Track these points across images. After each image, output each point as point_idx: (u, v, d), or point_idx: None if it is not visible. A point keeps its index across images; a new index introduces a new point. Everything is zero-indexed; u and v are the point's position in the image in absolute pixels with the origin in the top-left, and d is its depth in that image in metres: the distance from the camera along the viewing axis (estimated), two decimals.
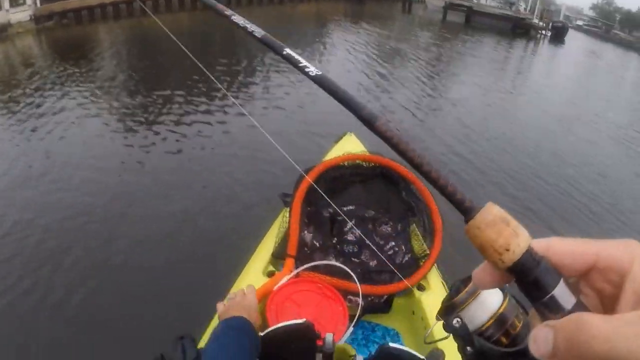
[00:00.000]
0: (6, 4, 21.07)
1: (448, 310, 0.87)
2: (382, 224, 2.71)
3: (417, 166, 0.58)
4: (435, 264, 2.59)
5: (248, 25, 0.93)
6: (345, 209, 2.62)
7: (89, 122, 7.67)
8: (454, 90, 11.36)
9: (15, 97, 9.50)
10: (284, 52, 0.83)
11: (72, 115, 7.98)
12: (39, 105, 8.53)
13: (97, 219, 5.03)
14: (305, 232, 2.50)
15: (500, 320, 0.81)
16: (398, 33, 20.51)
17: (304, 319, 1.66)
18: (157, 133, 7.15)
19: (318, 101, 8.24)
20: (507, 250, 0.44)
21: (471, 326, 0.84)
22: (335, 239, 2.57)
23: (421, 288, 2.47)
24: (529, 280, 0.44)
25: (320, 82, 0.74)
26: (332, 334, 1.72)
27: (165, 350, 1.46)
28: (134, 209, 5.23)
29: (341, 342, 1.97)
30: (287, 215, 2.57)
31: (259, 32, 0.90)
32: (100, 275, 4.26)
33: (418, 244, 2.73)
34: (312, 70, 0.76)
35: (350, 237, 2.57)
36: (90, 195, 5.46)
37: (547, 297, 0.43)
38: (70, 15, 18.45)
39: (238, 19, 0.95)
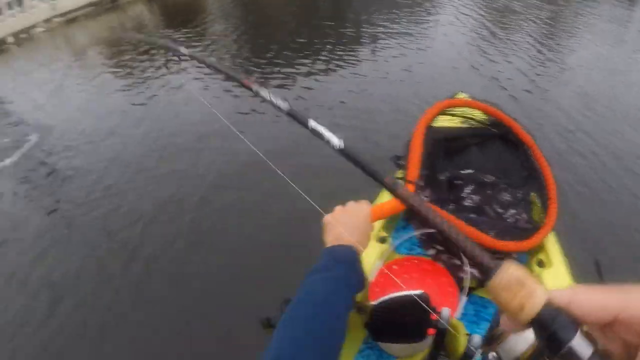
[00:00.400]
0: None
1: (489, 340, 0.96)
2: (501, 190, 2.53)
3: (436, 227, 0.65)
4: (558, 243, 2.37)
5: (273, 99, 1.11)
6: (463, 172, 2.48)
7: (191, 84, 7.94)
8: (573, 56, 10.28)
9: (126, 60, 10.40)
10: (310, 126, 1.03)
11: (179, 78, 8.38)
12: (146, 69, 9.10)
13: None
14: (422, 195, 2.37)
15: (538, 350, 0.86)
16: None
17: (421, 290, 1.53)
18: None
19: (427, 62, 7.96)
20: (522, 310, 0.49)
21: (511, 356, 0.91)
22: (452, 204, 2.44)
23: (541, 264, 2.26)
24: (546, 335, 0.47)
25: (345, 153, 0.92)
26: (448, 309, 1.60)
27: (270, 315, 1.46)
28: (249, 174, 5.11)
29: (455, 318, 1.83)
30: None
31: (285, 105, 1.10)
32: (209, 240, 4.46)
33: (538, 213, 2.53)
34: (336, 143, 0.95)
35: (468, 202, 2.42)
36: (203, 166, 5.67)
37: (565, 349, 0.46)
38: None
39: (264, 92, 1.13)
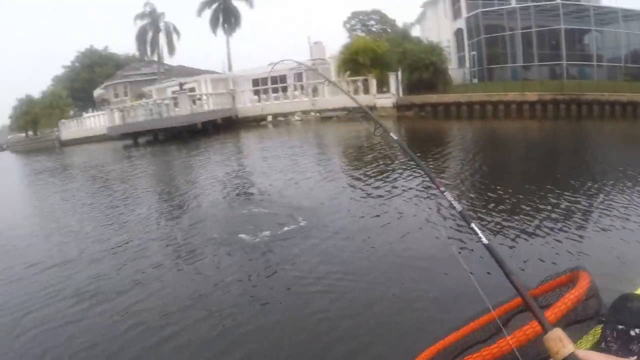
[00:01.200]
0: (373, 89, 24.64)
1: None
2: None
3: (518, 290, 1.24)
4: None
5: (450, 198, 1.62)
6: None
7: (423, 206, 7.34)
8: None
9: (364, 166, 10.62)
10: (472, 227, 1.53)
11: (406, 195, 8.04)
12: (381, 184, 8.97)
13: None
14: None
15: None
16: None
17: None
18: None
19: None
20: (557, 353, 0.99)
21: None
22: None
23: None
24: None
25: (488, 248, 1.41)
26: None
27: None
28: None
29: None
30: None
31: (458, 207, 1.60)
32: None
33: None
34: (484, 240, 1.43)
35: None
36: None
37: None
38: (428, 108, 19.90)
39: (448, 194, 1.61)
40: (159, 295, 4.99)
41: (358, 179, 9.76)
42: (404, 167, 10.08)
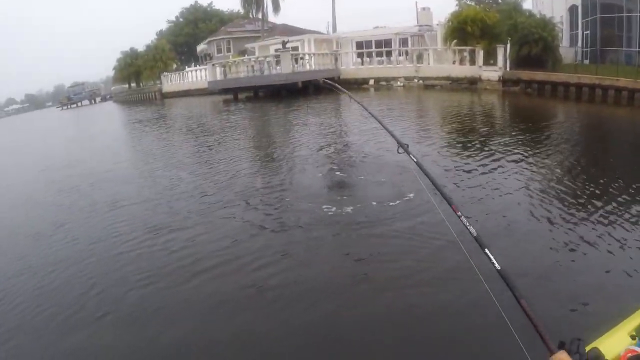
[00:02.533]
0: (480, 61, 24.78)
1: None
2: None
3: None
4: None
5: (464, 221, 2.00)
6: None
7: (522, 181, 7.54)
8: None
9: (464, 137, 11.37)
10: (484, 249, 1.83)
11: (510, 169, 8.32)
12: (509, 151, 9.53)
13: None
14: None
15: None
16: None
17: None
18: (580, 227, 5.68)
19: None
20: None
21: None
22: None
23: None
24: None
25: (501, 275, 1.71)
26: None
27: None
28: None
29: None
30: None
31: (473, 230, 1.95)
32: None
33: None
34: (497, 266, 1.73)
35: None
36: None
37: None
38: (535, 85, 19.97)
39: (463, 217, 2.03)
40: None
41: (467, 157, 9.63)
42: (509, 144, 10.54)
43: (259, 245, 5.86)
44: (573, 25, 27.69)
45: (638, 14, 22.64)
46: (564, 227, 5.76)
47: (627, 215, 5.91)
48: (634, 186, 6.98)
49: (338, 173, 9.24)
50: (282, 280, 4.90)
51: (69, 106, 59.25)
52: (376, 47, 32.88)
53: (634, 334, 2.38)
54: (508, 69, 22.83)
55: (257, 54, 36.63)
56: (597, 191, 7.04)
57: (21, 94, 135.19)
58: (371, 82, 29.55)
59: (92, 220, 7.80)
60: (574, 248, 5.16)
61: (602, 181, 7.48)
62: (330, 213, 6.72)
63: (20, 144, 25.17)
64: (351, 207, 6.84)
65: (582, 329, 2.88)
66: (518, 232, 5.73)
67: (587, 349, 1.84)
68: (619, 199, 6.49)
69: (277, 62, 29.03)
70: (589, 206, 6.41)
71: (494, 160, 9.13)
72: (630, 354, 2.07)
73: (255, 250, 5.71)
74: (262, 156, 12.12)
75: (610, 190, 6.97)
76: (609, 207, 6.21)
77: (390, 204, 6.81)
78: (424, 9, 36.06)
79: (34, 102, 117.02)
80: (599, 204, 6.42)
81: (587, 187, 7.28)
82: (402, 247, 5.48)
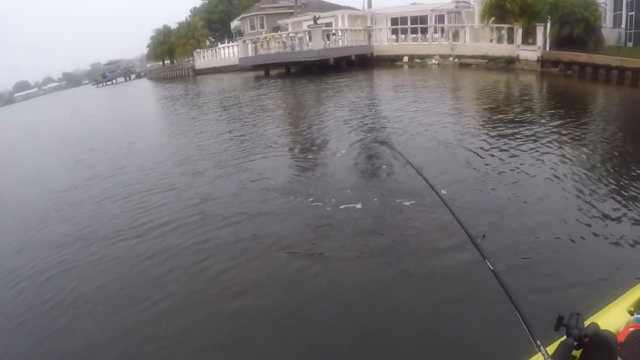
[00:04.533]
0: (518, 40, 24.11)
1: None
2: None
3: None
4: None
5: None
6: None
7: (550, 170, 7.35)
8: None
9: (501, 121, 11.28)
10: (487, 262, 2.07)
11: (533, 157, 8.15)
12: (518, 135, 9.53)
13: None
14: None
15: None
16: None
17: None
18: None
19: None
20: None
21: None
22: None
23: None
24: None
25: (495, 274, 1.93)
26: None
27: None
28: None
29: None
30: None
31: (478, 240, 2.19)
32: None
33: None
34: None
35: None
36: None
37: None
38: (575, 67, 19.36)
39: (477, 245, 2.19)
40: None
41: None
42: (542, 130, 10.39)
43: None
44: (617, 5, 26.60)
45: None
46: (573, 205, 6.00)
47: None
48: None
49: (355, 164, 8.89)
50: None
51: (104, 84, 60.64)
52: (412, 23, 32.29)
53: (632, 309, 2.43)
54: (547, 49, 22.16)
55: (290, 29, 36.48)
56: (621, 178, 6.93)
57: (59, 72, 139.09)
58: (405, 59, 29.18)
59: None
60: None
61: (630, 169, 7.33)
62: (342, 207, 6.46)
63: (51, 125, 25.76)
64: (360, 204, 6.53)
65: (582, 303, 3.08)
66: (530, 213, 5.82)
67: (586, 324, 1.96)
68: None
69: (310, 38, 28.86)
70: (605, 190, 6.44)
71: (524, 146, 8.95)
72: (632, 328, 2.09)
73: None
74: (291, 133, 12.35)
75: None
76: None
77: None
78: None
79: (71, 80, 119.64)
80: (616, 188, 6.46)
81: (613, 176, 7.10)
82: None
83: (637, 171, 6.99)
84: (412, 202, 6.26)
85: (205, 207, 6.99)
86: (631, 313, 2.40)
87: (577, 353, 1.90)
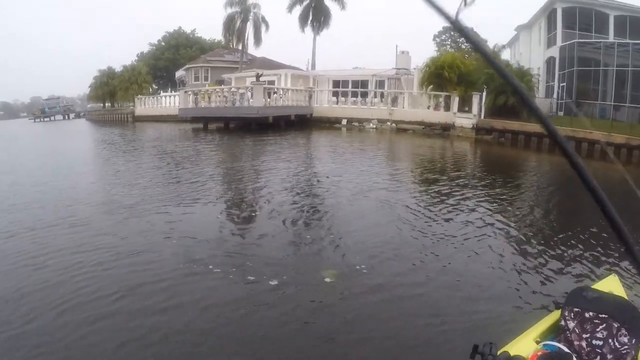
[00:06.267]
0: (455, 107, 24.46)
1: None
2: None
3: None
4: None
5: None
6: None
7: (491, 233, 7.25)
8: None
9: (433, 182, 10.81)
10: None
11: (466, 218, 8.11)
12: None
13: None
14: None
15: None
16: None
17: None
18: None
19: None
20: None
21: None
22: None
23: None
24: None
25: None
26: None
27: None
28: None
29: None
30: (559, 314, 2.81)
31: None
32: None
33: None
34: None
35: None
36: None
37: None
38: (508, 135, 19.58)
39: None
40: None
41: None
42: (475, 192, 10.11)
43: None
44: (550, 76, 27.88)
45: (614, 68, 22.79)
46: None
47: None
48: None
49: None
50: None
51: (41, 119, 57.67)
52: (353, 87, 32.60)
53: (539, 339, 2.73)
54: (482, 117, 22.49)
55: (233, 84, 35.98)
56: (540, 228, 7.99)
57: None
58: (344, 121, 28.98)
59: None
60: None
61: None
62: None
63: None
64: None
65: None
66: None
67: (498, 352, 2.21)
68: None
69: (251, 95, 28.30)
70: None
71: (458, 208, 8.82)
72: (540, 353, 2.43)
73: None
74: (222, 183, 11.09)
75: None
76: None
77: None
78: (403, 52, 36.09)
79: (8, 112, 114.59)
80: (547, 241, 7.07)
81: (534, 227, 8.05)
82: None
83: (554, 223, 8.28)
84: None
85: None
86: (537, 342, 2.66)
87: None
